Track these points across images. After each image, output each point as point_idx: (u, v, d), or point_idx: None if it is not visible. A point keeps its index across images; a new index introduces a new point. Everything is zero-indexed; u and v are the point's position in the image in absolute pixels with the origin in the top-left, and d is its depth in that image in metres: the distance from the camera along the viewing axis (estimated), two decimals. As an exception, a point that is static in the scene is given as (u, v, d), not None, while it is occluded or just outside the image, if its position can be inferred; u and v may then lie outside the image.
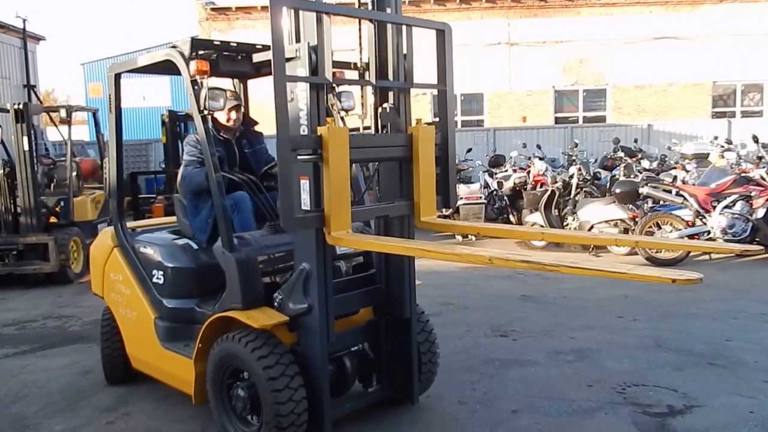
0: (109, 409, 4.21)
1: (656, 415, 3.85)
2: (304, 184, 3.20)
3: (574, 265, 2.46)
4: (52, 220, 8.75)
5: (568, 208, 9.82)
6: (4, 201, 8.40)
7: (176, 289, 3.96)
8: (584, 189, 10.04)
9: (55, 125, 10.58)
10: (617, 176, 10.24)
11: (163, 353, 3.93)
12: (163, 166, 12.24)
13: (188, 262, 3.97)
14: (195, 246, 4.04)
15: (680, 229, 8.33)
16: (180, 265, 3.97)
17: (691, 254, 8.56)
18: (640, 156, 11.92)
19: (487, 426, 3.75)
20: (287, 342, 3.40)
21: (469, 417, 3.88)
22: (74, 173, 9.10)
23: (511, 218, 11.56)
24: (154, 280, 4.04)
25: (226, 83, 4.40)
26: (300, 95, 3.20)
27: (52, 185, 9.63)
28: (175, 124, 11.20)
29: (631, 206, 9.05)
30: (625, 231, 9.00)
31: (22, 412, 4.23)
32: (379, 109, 3.56)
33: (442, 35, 3.54)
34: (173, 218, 4.73)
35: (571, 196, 9.90)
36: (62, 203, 8.78)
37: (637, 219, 8.77)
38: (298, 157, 3.05)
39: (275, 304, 3.42)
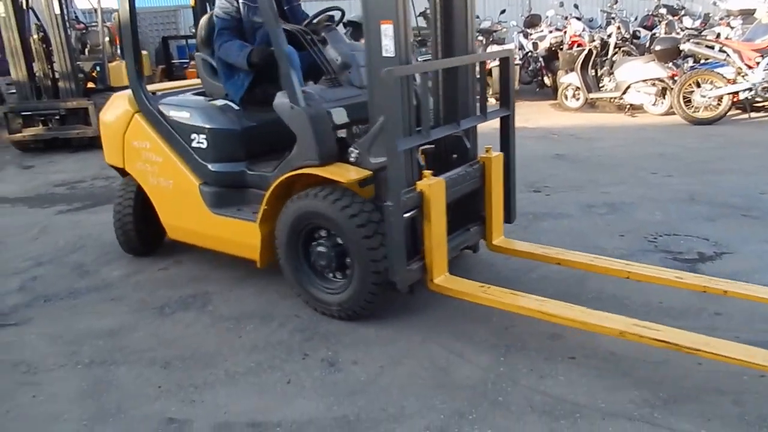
0: (162, 257, 4.46)
1: (686, 261, 3.96)
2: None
3: (711, 350, 2.44)
4: (90, 85, 8.86)
5: (605, 68, 9.59)
6: (42, 66, 8.48)
7: (222, 153, 3.81)
8: (623, 49, 9.75)
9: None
10: (657, 35, 9.87)
11: (214, 220, 3.81)
12: (194, 30, 12.06)
13: (233, 123, 3.81)
14: (235, 107, 3.89)
15: (720, 87, 8.12)
16: (225, 126, 3.80)
17: (730, 113, 8.41)
18: (682, 14, 11.41)
19: (521, 271, 3.90)
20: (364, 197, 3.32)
21: (504, 263, 4.03)
22: (107, 38, 9.08)
23: (546, 80, 11.34)
24: (194, 144, 3.86)
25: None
26: None
27: (86, 50, 9.65)
28: (203, -14, 10.90)
29: (670, 65, 8.80)
30: (663, 90, 8.82)
31: (81, 260, 4.53)
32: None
33: (506, 62, 3.48)
34: (190, 81, 4.62)
35: (609, 56, 9.64)
36: (98, 68, 8.85)
37: (676, 78, 8.56)
38: (404, 216, 2.99)
39: (351, 159, 3.28)
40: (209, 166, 3.82)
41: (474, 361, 2.95)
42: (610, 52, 9.64)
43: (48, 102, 8.51)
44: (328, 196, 3.18)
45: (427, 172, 3.11)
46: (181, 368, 3.02)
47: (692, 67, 8.59)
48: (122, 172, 4.47)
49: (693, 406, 2.52)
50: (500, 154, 3.59)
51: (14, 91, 8.67)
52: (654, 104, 8.99)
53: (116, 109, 4.34)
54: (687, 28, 10.03)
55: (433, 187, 3.07)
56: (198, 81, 4.42)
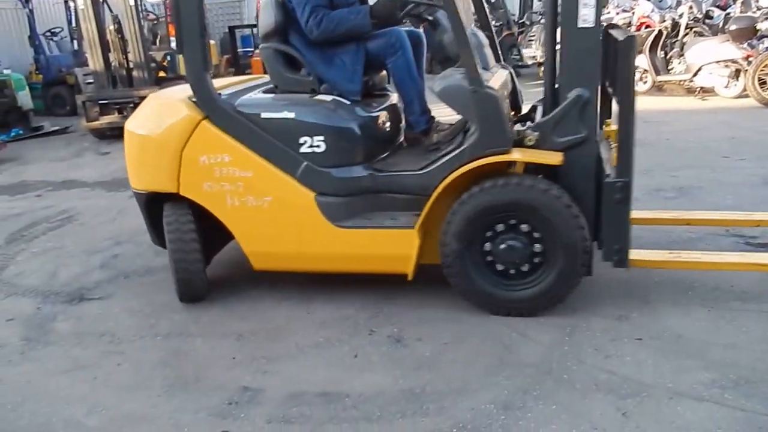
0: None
1: (760, 245, 3.83)
2: None
3: None
4: (161, 74, 9.16)
5: (674, 50, 9.30)
6: (118, 56, 8.81)
7: (344, 156, 3.31)
8: (694, 29, 9.42)
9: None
10: (732, 14, 9.50)
11: (341, 235, 3.28)
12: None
13: (350, 121, 3.33)
14: (345, 101, 3.43)
15: (800, 68, 7.78)
16: (344, 125, 3.32)
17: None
18: (760, -9, 10.93)
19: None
20: None
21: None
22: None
23: (612, 63, 11.07)
24: (305, 149, 3.28)
25: None
26: None
27: (157, 41, 9.97)
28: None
29: (745, 45, 8.47)
30: (737, 72, 8.50)
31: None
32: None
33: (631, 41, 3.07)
34: (241, 77, 4.35)
35: (679, 37, 9.34)
36: (169, 58, 9.13)
37: (751, 59, 8.23)
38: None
39: (528, 142, 3.07)
40: (332, 173, 3.30)
41: (538, 339, 2.96)
42: (681, 33, 9.34)
43: (123, 91, 8.84)
44: (535, 185, 2.99)
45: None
46: (252, 341, 3.15)
47: (769, 47, 8.26)
48: (154, 199, 3.59)
49: (766, 388, 2.48)
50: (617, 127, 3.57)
51: (92, 80, 9.05)
52: (726, 87, 8.67)
53: (165, 117, 3.47)
54: (764, 7, 9.62)
55: None
56: (250, 77, 4.24)
